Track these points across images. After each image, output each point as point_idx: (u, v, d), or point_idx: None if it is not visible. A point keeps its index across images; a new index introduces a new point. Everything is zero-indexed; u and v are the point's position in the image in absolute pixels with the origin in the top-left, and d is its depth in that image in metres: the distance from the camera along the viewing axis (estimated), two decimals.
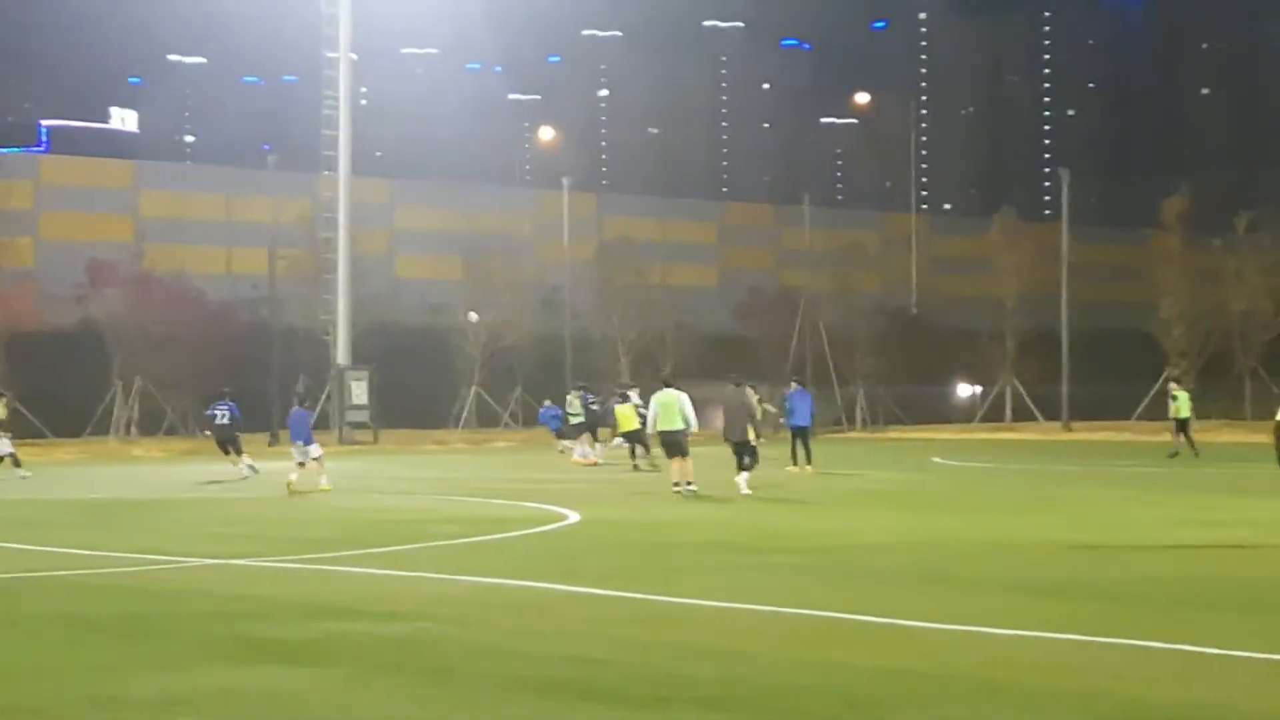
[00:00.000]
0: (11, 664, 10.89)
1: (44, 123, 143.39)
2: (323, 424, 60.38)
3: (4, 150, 74.97)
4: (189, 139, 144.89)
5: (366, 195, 63.14)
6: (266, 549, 18.80)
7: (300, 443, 30.72)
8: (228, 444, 35.55)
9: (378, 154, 76.57)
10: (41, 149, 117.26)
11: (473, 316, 44.61)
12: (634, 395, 37.99)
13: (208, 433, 37.26)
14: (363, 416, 58.55)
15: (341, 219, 58.89)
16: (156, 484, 32.83)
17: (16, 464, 35.56)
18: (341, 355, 59.56)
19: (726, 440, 28.32)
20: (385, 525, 22.49)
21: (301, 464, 30.44)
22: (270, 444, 51.89)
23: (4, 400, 38.78)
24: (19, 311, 56.01)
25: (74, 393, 56.15)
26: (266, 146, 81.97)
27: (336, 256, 59.18)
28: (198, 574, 16.65)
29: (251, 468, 35.12)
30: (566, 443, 43.15)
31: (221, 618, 13.11)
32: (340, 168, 58.75)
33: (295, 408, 32.13)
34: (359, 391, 58.84)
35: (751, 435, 28.28)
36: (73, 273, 58.82)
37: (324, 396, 59.83)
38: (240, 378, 54.50)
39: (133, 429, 58.45)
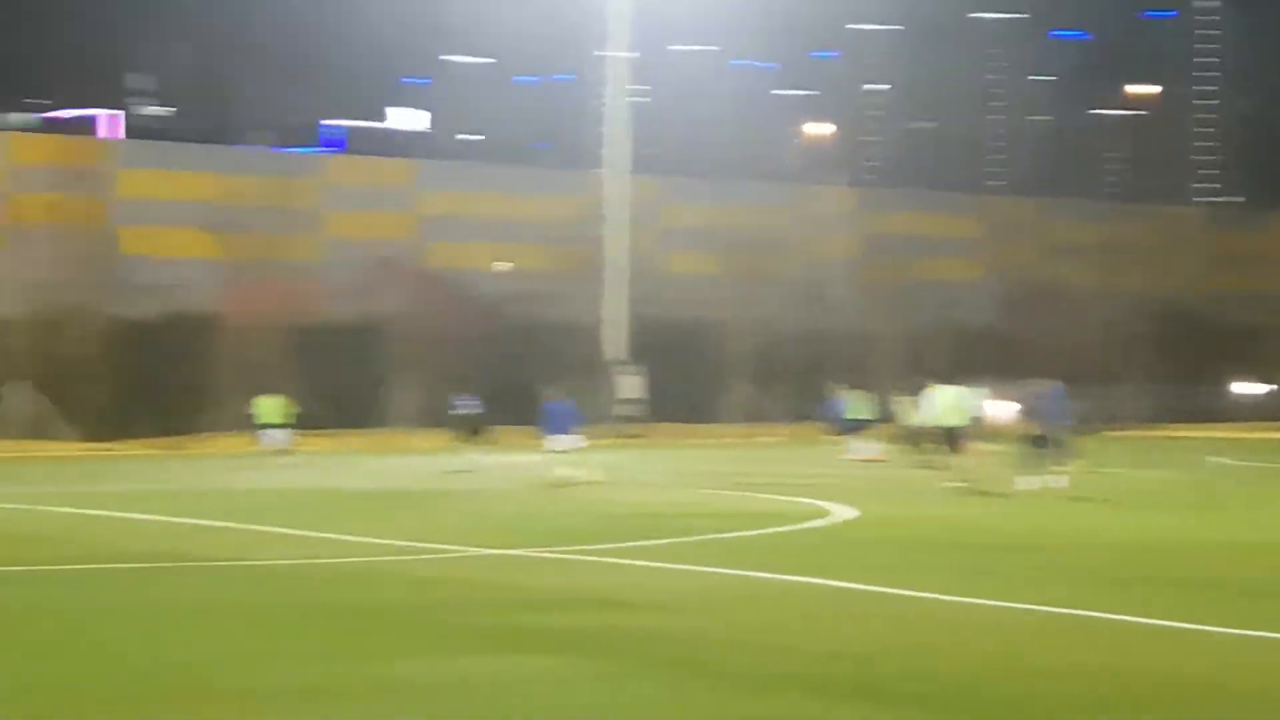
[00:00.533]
0: (295, 647, 11.24)
1: (329, 123, 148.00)
2: (595, 419, 61.22)
3: (291, 150, 77.46)
4: (469, 138, 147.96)
5: (638, 192, 63.70)
6: (536, 540, 19.10)
7: (557, 434, 31.19)
8: (473, 433, 36.65)
9: (649, 150, 77.17)
10: (326, 149, 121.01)
11: (500, 266, 43.94)
12: (915, 391, 37.51)
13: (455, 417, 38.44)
14: (634, 411, 59.24)
15: (615, 216, 59.68)
16: (433, 474, 33.61)
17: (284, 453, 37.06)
18: (613, 350, 60.36)
19: (1017, 437, 28.20)
20: (653, 519, 22.65)
21: (561, 456, 30.84)
22: (540, 438, 52.69)
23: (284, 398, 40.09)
24: (304, 306, 57.99)
25: (356, 385, 57.84)
26: (543, 145, 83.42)
27: (608, 253, 60.00)
28: (471, 564, 17.01)
29: (481, 460, 35.90)
30: (846, 438, 42.80)
31: (493, 607, 13.36)
32: (615, 165, 59.57)
33: (552, 401, 32.60)
34: (630, 386, 59.59)
35: (1034, 432, 27.91)
36: (356, 269, 60.65)
37: (594, 392, 60.64)
38: (513, 372, 55.60)
39: (414, 420, 59.97)
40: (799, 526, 21.09)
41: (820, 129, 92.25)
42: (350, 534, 19.94)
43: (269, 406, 38.15)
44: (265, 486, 30.54)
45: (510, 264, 42.17)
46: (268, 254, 57.37)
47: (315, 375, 57.10)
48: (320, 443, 53.34)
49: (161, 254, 58.23)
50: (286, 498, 27.41)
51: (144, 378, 48.83)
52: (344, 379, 57.59)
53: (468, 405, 37.10)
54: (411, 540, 19.10)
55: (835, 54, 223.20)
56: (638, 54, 63.36)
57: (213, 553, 17.96)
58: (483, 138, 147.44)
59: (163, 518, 22.85)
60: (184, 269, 58.66)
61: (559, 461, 30.62)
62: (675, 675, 10.22)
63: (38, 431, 52.57)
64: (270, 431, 37.80)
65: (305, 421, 57.25)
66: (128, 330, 54.38)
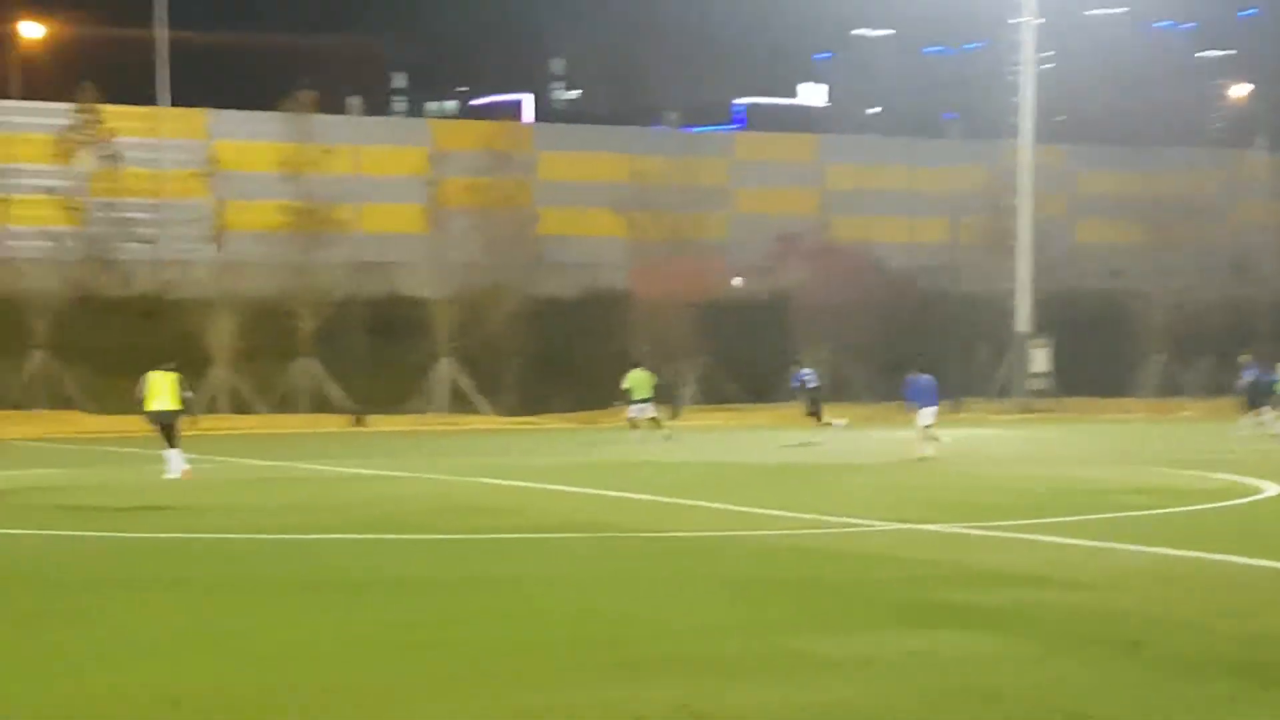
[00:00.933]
0: (704, 619, 11.50)
1: (737, 101, 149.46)
2: (1003, 392, 60.46)
3: (700, 129, 78.62)
4: (873, 111, 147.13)
5: (1047, 161, 62.41)
6: (947, 515, 19.05)
7: (923, 407, 31.09)
8: (816, 408, 38.40)
9: (1059, 118, 75.34)
10: (735, 126, 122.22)
11: (737, 282, 42.89)
12: None
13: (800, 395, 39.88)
14: (1043, 384, 58.26)
15: (1023, 185, 58.74)
16: (836, 450, 33.78)
17: (656, 425, 37.91)
18: (1022, 322, 59.43)
19: None
20: (1066, 494, 22.32)
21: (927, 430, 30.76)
22: (952, 411, 52.50)
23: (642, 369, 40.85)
24: (711, 282, 58.98)
25: (762, 360, 58.50)
26: (949, 116, 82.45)
27: (1017, 223, 59.09)
28: (881, 538, 17.11)
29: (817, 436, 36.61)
30: (1267, 411, 41.06)
31: (907, 582, 13.41)
32: (1023, 134, 58.64)
33: (917, 375, 32.42)
34: (1040, 359, 58.62)
35: None
36: (761, 244, 61.32)
37: (1004, 365, 59.96)
38: (920, 345, 55.22)
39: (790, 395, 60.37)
40: (1223, 504, 20.45)
41: (1242, 90, 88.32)
42: (764, 507, 20.28)
43: (639, 380, 39.09)
44: (676, 460, 31.27)
45: (742, 279, 42.08)
46: (677, 232, 58.52)
47: (722, 350, 58.15)
48: (726, 417, 54.25)
49: (576, 234, 60.08)
50: (698, 472, 27.99)
51: (561, 354, 50.49)
52: (751, 354, 58.38)
53: (808, 379, 38.24)
54: (822, 514, 19.33)
55: (1257, 12, 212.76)
56: (1046, 20, 62.05)
57: (638, 524, 18.54)
58: (883, 110, 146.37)
59: (587, 490, 23.68)
60: (597, 248, 60.41)
61: (924, 436, 30.55)
62: (1096, 654, 10.11)
63: (461, 406, 55.04)
64: (638, 405, 38.79)
65: (713, 396, 58.35)
66: (546, 308, 56.35)
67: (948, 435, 33.22)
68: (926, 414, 30.82)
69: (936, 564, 14.60)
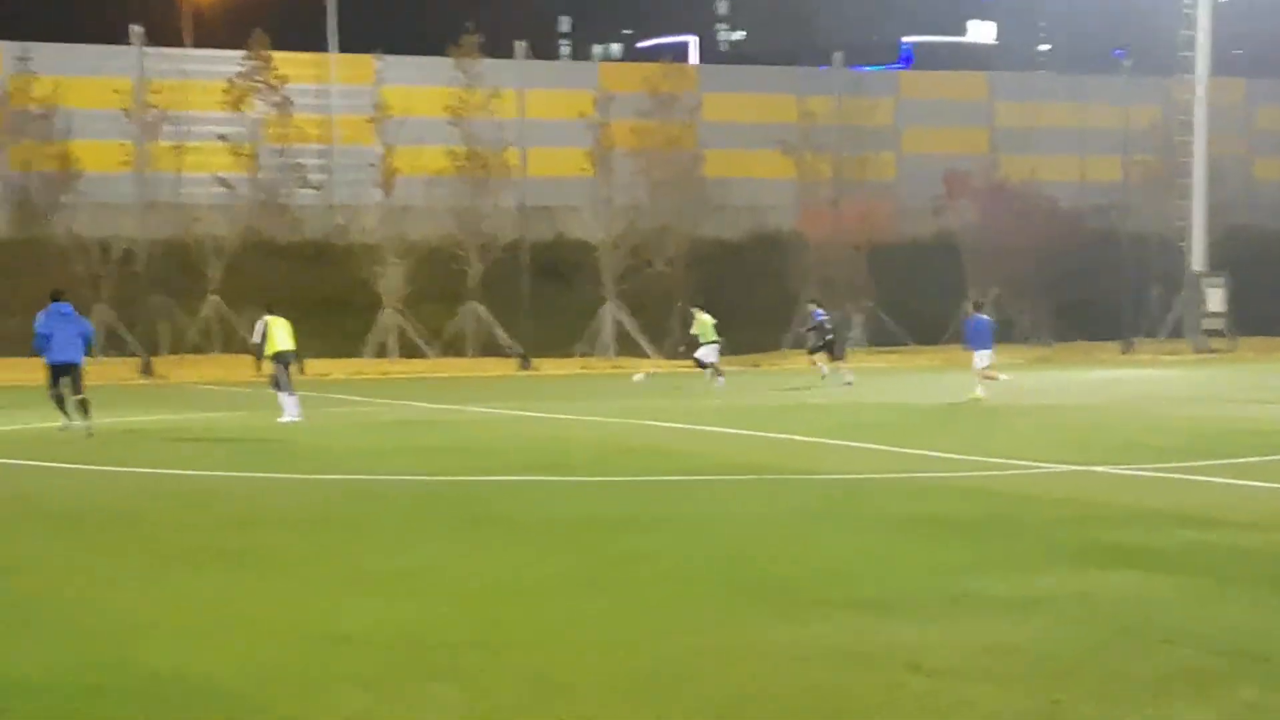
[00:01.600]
0: (866, 561, 11.50)
1: (904, 40, 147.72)
2: (1176, 332, 59.38)
3: (867, 69, 77.87)
4: (1043, 48, 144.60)
5: (1223, 96, 60.94)
6: (1117, 456, 18.81)
7: (978, 350, 30.83)
8: (824, 350, 38.92)
9: (1236, 52, 73.53)
10: (902, 66, 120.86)
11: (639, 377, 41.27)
12: None
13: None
14: (1218, 324, 57.16)
15: (1198, 121, 57.48)
16: (1011, 391, 33.44)
17: (717, 374, 37.75)
18: (1196, 261, 58.31)
19: None
20: (1241, 435, 21.90)
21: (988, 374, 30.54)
22: (1123, 351, 51.91)
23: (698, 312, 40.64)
24: (879, 224, 58.57)
25: (930, 301, 58.04)
26: (1119, 52, 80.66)
27: (1191, 160, 57.88)
28: (1050, 480, 16.93)
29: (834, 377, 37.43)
30: None
31: (1077, 522, 13.29)
32: (1197, 68, 57.35)
33: (975, 315, 32.10)
34: (1214, 299, 57.48)
35: None
36: (930, 185, 60.69)
37: (1177, 305, 58.92)
38: (1090, 285, 54.45)
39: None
40: None
41: None
42: (930, 449, 20.19)
43: (705, 324, 38.97)
44: (841, 403, 31.21)
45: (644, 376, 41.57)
46: (845, 173, 58.16)
47: (889, 292, 57.79)
48: (893, 359, 53.93)
49: (742, 175, 59.94)
50: (864, 413, 27.91)
51: (726, 297, 50.43)
52: (918, 296, 57.93)
53: (825, 319, 38.39)
54: (989, 455, 19.19)
55: None
56: None
57: (801, 466, 18.55)
58: (1052, 47, 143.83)
59: (751, 432, 23.74)
60: (763, 190, 60.25)
61: (981, 376, 30.39)
62: (1270, 595, 9.96)
63: (627, 349, 55.31)
64: (707, 347, 38.72)
65: (880, 338, 58.03)
66: (711, 251, 56.35)
67: (1081, 376, 32.71)
68: (982, 356, 30.74)
69: (1107, 505, 14.44)
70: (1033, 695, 7.33)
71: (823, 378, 38.60)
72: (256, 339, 27.81)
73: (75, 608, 9.84)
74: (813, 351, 40.37)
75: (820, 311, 40.22)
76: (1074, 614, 9.30)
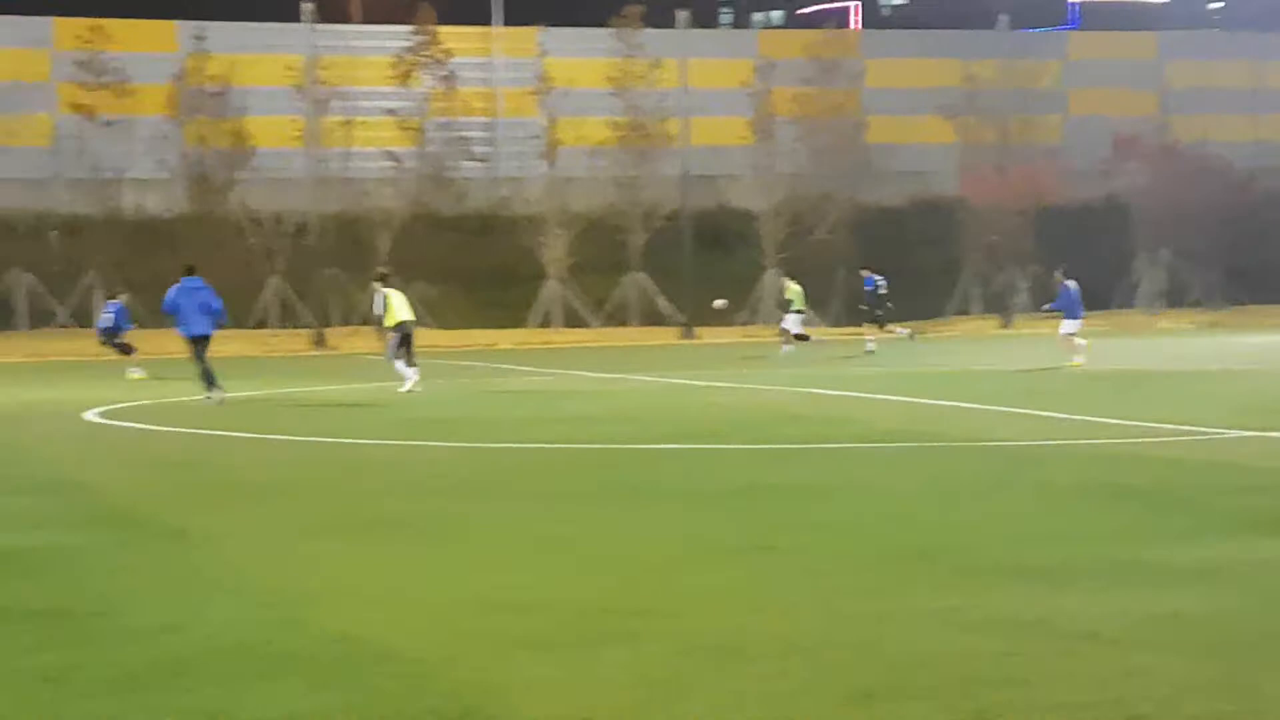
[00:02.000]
0: (1037, 528, 11.37)
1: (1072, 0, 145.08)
2: None
3: (1034, 30, 76.65)
4: (1215, 5, 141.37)
5: None
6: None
7: (1067, 318, 30.33)
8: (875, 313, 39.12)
9: None
10: (1069, 26, 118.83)
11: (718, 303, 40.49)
12: None
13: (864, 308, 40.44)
14: None
15: None
16: (1182, 356, 32.89)
17: (801, 339, 38.41)
18: None
19: None
20: None
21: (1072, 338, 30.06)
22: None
23: (794, 283, 40.62)
24: (1045, 186, 57.74)
25: (1098, 266, 57.12)
26: None
27: None
28: (1228, 445, 16.65)
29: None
30: None
31: (1255, 490, 13.02)
32: None
33: (1063, 283, 31.49)
34: None
35: None
36: (1098, 147, 59.68)
37: None
38: (1264, 248, 53.34)
39: (1157, 301, 58.74)
40: None
41: None
42: (1097, 415, 19.95)
43: (796, 292, 38.70)
44: (1008, 368, 30.91)
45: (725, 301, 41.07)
46: (1010, 136, 57.39)
47: (1055, 257, 56.89)
48: (1058, 324, 53.16)
49: (906, 141, 59.42)
50: (1029, 380, 27.61)
51: (889, 263, 50.07)
52: (1085, 260, 57.03)
53: (879, 284, 39.05)
54: (1159, 421, 18.91)
55: None
56: None
57: (965, 432, 18.42)
58: (1224, 4, 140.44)
59: (914, 399, 23.63)
60: (927, 155, 59.68)
61: (1069, 346, 29.87)
62: None
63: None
64: (791, 315, 38.52)
65: (1046, 303, 57.17)
66: (874, 217, 55.99)
67: (1253, 340, 32.06)
68: (1070, 324, 30.22)
69: (1274, 472, 14.18)
70: (1211, 665, 7.25)
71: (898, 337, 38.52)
72: (378, 310, 27.86)
73: (253, 573, 10.11)
74: (874, 321, 39.58)
75: (876, 277, 39.72)
76: (1251, 583, 9.16)
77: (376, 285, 28.16)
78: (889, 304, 39.44)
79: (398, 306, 27.52)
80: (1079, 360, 30.03)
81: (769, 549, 10.62)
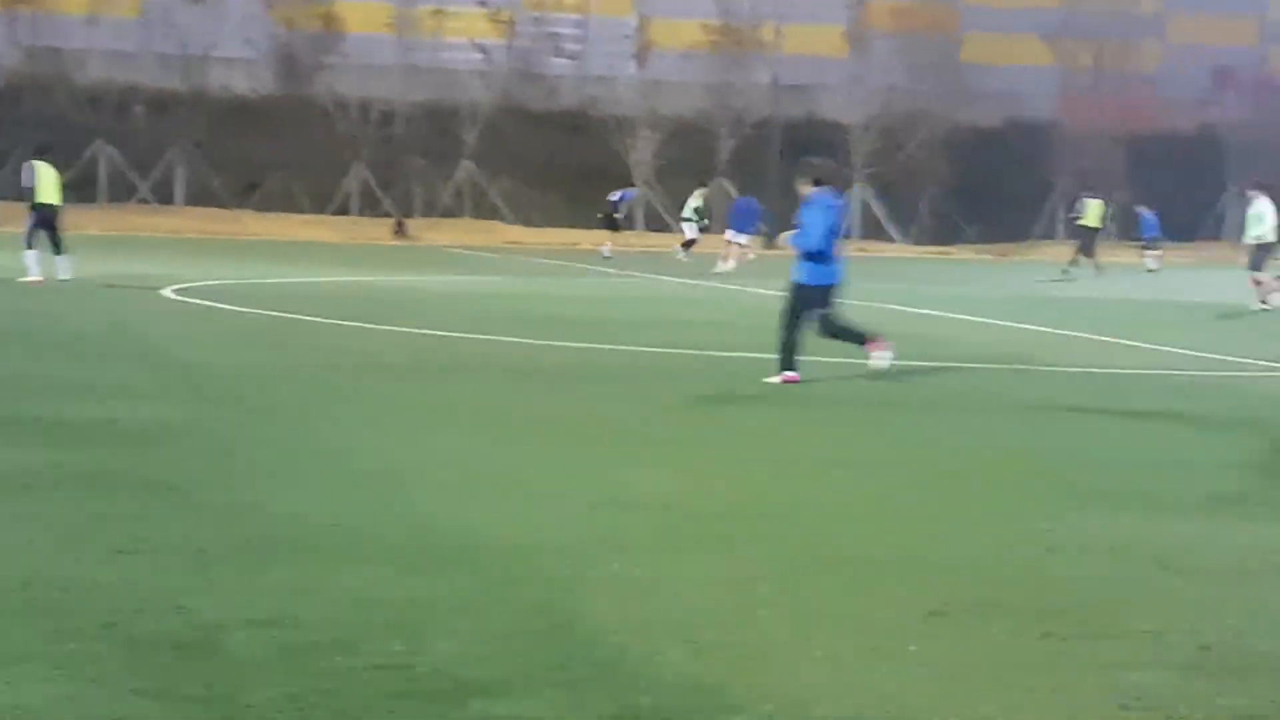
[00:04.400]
0: (1122, 455, 11.31)
1: None
2: None
3: None
4: None
5: None
6: None
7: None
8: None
9: None
10: None
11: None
12: None
13: None
14: None
15: None
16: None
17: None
18: None
19: None
20: None
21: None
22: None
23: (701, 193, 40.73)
24: (1140, 115, 56.94)
25: (1188, 197, 56.43)
26: None
27: None
28: None
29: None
30: None
31: None
32: None
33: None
34: None
35: None
36: (1196, 77, 58.73)
37: None
38: None
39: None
40: None
41: None
42: (1183, 347, 19.82)
43: (1095, 208, 38.31)
44: (1089, 296, 30.66)
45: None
46: (1107, 62, 56.52)
47: (1147, 186, 56.21)
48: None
49: (1002, 62, 58.67)
50: (1116, 309, 27.39)
51: (979, 184, 49.78)
52: (1177, 191, 56.32)
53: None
54: (1237, 355, 18.78)
55: None
56: None
57: (1058, 358, 18.34)
58: None
59: (1006, 322, 23.50)
60: (1023, 76, 58.91)
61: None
62: None
63: (874, 233, 54.91)
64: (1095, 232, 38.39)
65: (1133, 233, 56.60)
66: (967, 137, 55.44)
67: None
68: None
69: None
70: None
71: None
72: (26, 184, 24.43)
73: (350, 456, 10.23)
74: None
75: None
76: None
77: (34, 160, 24.51)
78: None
79: (47, 185, 24.35)
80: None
81: (871, 464, 10.63)
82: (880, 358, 14.88)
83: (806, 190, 14.27)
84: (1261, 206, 27.95)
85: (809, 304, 14.63)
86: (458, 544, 7.77)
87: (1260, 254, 27.74)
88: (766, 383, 14.28)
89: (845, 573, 7.48)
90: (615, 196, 42.43)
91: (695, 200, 42.31)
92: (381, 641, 6.06)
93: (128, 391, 12.66)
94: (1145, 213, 38.55)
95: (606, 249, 40.51)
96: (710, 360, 17.14)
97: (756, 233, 39.60)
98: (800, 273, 14.71)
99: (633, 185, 46.77)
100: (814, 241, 14.40)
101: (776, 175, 52.39)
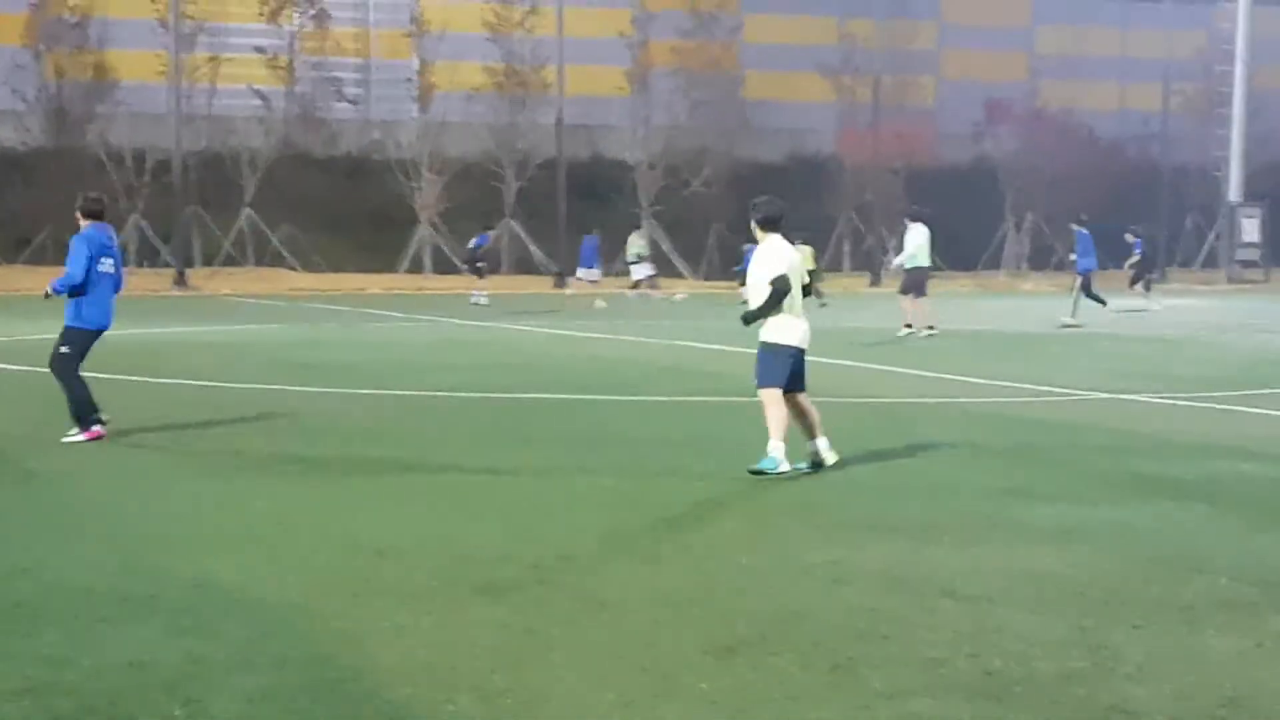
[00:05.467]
0: (912, 483, 11.53)
1: None
2: (1211, 262, 59.06)
3: None
4: None
5: (1266, 26, 60.29)
6: (1150, 385, 18.81)
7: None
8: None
9: None
10: None
11: (678, 297, 41.97)
12: None
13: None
14: (1253, 255, 56.97)
15: (1239, 51, 56.95)
16: (1044, 318, 33.37)
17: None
18: (1234, 192, 57.94)
19: None
20: (1272, 365, 21.90)
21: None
22: (1159, 282, 51.51)
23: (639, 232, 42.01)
24: (918, 148, 58.23)
25: (967, 228, 57.80)
26: None
27: (1232, 91, 57.42)
28: (1087, 407, 16.94)
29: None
30: None
31: (1112, 451, 13.29)
32: None
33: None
34: (1250, 229, 57.24)
35: None
36: (970, 110, 60.30)
37: (1212, 235, 58.62)
38: (1129, 214, 54.14)
39: (1023, 264, 59.60)
40: None
41: None
42: (967, 375, 20.18)
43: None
44: (877, 327, 31.17)
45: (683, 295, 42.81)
46: (885, 97, 57.68)
47: (927, 218, 57.44)
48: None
49: (783, 98, 59.58)
50: (903, 340, 27.87)
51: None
52: (956, 222, 57.65)
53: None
54: (1025, 382, 19.19)
55: None
56: None
57: (842, 389, 18.53)
58: None
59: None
60: (804, 112, 59.89)
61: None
62: None
63: (662, 270, 55.26)
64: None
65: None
66: (750, 172, 56.13)
67: (1116, 304, 32.71)
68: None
69: (1143, 434, 14.45)
70: (1063, 621, 7.38)
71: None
72: None
73: (119, 516, 9.94)
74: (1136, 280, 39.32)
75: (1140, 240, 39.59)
76: (1109, 542, 9.33)
77: None
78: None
79: None
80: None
81: (647, 502, 10.64)
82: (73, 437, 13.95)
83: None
84: (916, 234, 28.88)
85: None
86: (232, 599, 7.57)
87: (911, 279, 28.63)
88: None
89: (631, 614, 7.43)
90: (473, 243, 42.17)
91: (637, 244, 43.21)
92: (159, 704, 5.87)
93: None
94: (1138, 240, 38.77)
95: (479, 296, 39.85)
96: (484, 403, 17.03)
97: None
98: None
99: (490, 227, 46.44)
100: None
101: (565, 215, 52.53)
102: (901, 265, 29.06)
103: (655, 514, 10.16)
